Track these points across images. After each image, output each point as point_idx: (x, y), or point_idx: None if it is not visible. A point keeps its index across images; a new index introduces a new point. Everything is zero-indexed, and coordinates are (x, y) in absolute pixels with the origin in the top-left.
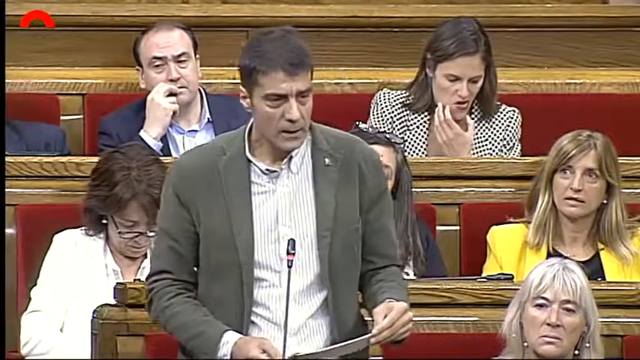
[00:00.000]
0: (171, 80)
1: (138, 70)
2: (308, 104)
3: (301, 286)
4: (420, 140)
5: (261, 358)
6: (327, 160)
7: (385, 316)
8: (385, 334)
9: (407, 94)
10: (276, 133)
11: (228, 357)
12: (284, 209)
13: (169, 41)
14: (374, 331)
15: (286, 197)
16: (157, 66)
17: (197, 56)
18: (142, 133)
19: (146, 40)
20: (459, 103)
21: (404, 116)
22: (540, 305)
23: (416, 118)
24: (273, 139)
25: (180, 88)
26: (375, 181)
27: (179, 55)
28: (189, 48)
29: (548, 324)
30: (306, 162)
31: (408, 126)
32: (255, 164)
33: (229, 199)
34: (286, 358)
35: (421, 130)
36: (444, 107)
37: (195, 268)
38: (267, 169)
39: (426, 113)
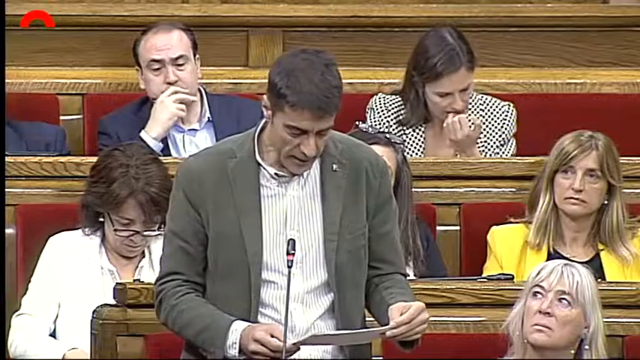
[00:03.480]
0: (169, 83)
1: (137, 70)
2: (326, 137)
3: (308, 288)
4: (417, 145)
5: (267, 339)
6: (334, 166)
7: (401, 314)
8: (402, 329)
9: (401, 100)
10: (287, 156)
11: (237, 344)
12: (293, 213)
13: (167, 43)
14: (392, 324)
15: (295, 201)
16: (155, 68)
17: (197, 57)
18: (142, 134)
19: (145, 41)
20: (454, 112)
21: (400, 127)
22: (536, 294)
23: (413, 130)
24: (282, 159)
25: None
26: (381, 187)
27: (177, 58)
28: (188, 50)
29: (540, 311)
30: (314, 166)
31: (404, 130)
32: (264, 168)
33: (239, 201)
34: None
35: (418, 137)
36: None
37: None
38: (276, 174)
39: (422, 126)
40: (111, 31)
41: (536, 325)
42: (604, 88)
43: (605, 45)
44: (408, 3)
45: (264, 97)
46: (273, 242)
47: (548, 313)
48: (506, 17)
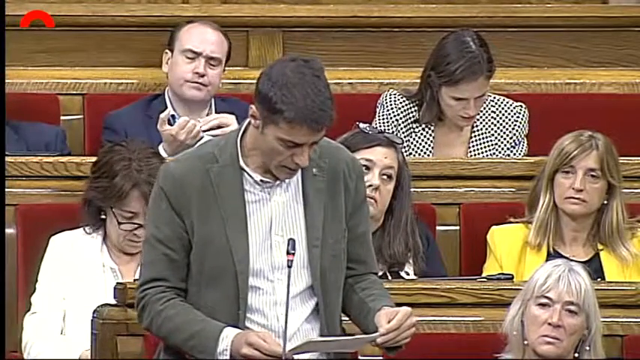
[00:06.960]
0: (196, 73)
1: (166, 53)
2: (317, 145)
3: (294, 293)
4: (426, 144)
5: (261, 343)
6: (314, 170)
7: (389, 320)
8: (391, 336)
9: (412, 102)
10: (278, 166)
11: (228, 351)
12: (277, 218)
13: (211, 41)
14: (381, 331)
15: (280, 206)
16: (190, 57)
17: (225, 67)
18: (160, 147)
19: (190, 28)
20: (466, 117)
21: (410, 123)
22: (543, 304)
23: (423, 128)
24: (272, 168)
25: (202, 85)
26: (357, 189)
27: (212, 58)
28: (224, 55)
29: (550, 324)
30: None
31: (413, 129)
32: (248, 174)
33: (223, 207)
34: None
35: (427, 135)
36: None
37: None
38: (260, 180)
39: (432, 125)
40: (111, 31)
41: (545, 336)
42: (604, 88)
43: (605, 45)
44: (408, 3)
45: (252, 106)
46: (259, 248)
47: (559, 325)
48: (506, 17)
